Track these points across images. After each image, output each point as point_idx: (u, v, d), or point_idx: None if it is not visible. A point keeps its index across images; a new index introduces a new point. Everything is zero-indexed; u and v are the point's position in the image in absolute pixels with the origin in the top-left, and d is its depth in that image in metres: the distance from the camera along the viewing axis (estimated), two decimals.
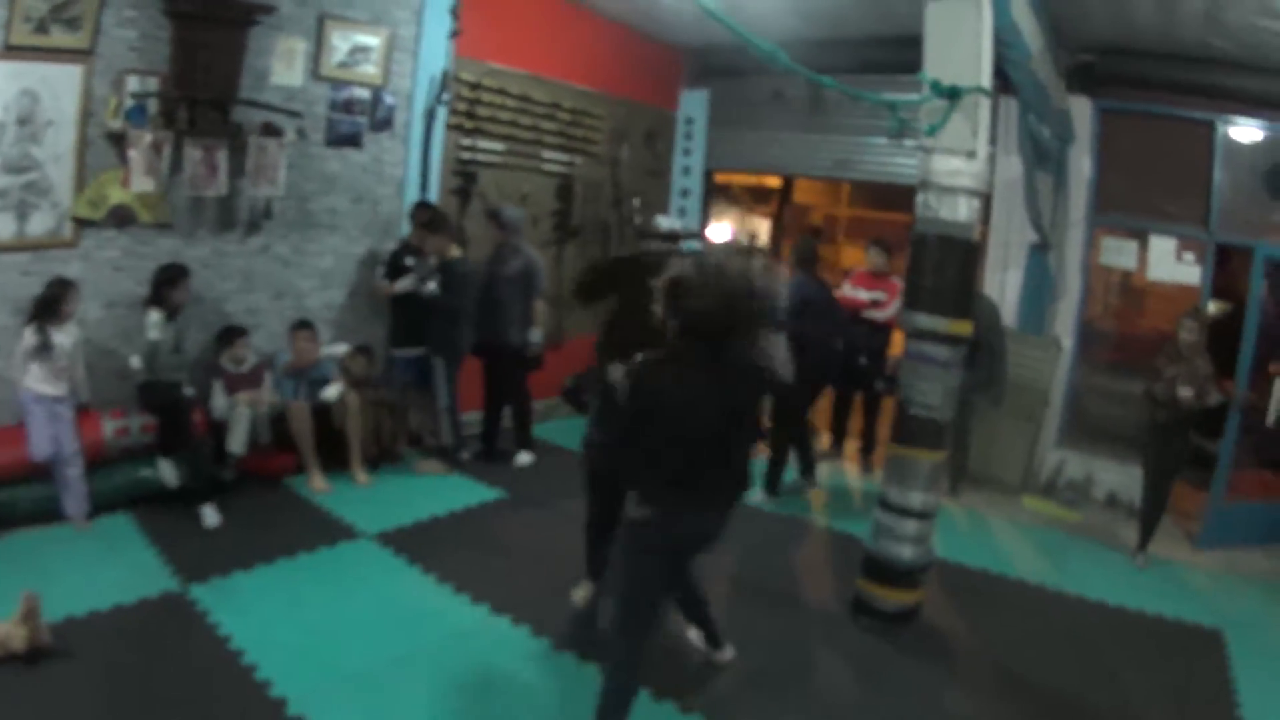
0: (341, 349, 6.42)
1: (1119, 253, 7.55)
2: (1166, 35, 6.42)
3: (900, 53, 7.71)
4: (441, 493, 6.19)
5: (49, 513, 4.99)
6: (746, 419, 3.36)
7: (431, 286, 6.34)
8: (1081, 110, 7.36)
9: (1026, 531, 6.57)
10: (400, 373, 6.77)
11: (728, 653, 4.26)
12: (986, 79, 4.38)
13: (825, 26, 7.74)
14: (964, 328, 4.53)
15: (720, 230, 11.07)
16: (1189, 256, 7.17)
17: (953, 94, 4.34)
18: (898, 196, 10.69)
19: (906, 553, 4.60)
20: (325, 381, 6.21)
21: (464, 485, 6.41)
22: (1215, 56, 6.53)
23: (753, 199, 11.98)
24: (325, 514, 5.62)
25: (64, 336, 5.00)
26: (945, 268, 4.46)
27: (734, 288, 3.03)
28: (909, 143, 8.11)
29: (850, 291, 7.51)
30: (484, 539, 5.54)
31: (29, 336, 4.84)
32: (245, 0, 5.51)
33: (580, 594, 4.75)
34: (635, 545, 3.28)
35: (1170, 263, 7.26)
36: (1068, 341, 7.60)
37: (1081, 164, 7.44)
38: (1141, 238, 7.37)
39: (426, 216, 6.45)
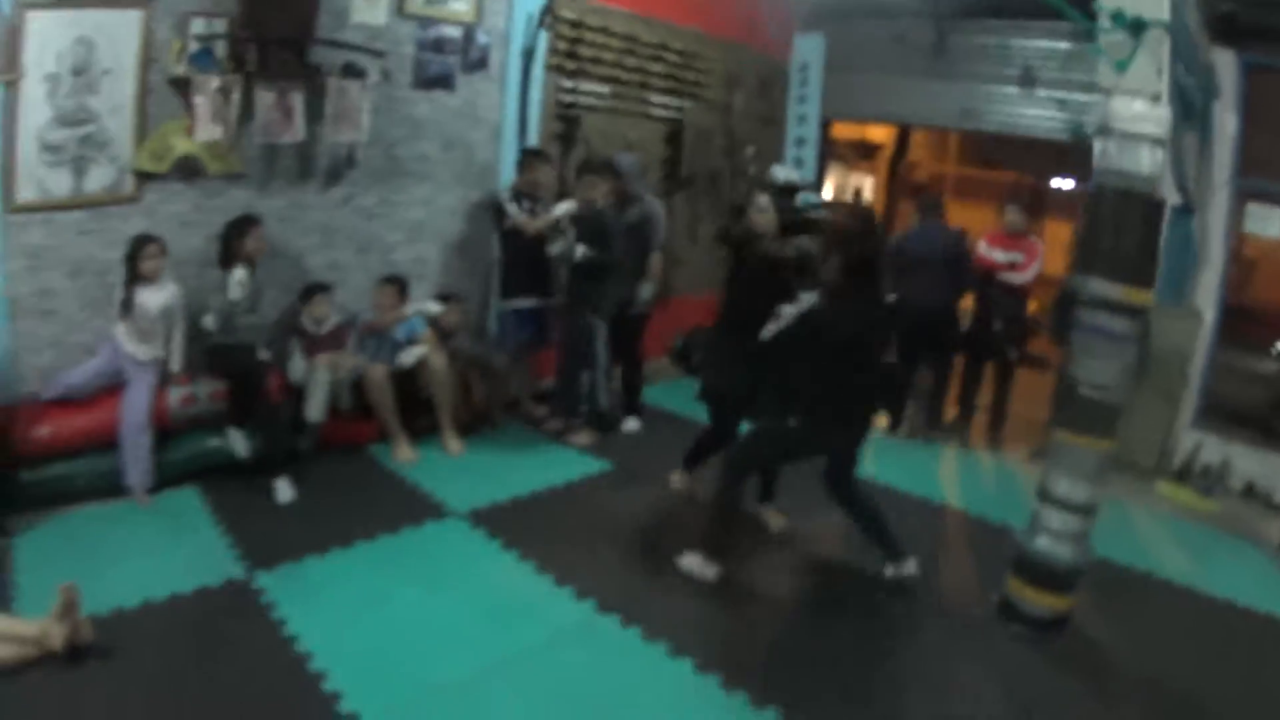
0: (435, 307, 5.72)
1: (1266, 220, 6.57)
2: None
3: None
4: (541, 464, 5.51)
5: (110, 488, 4.44)
6: (884, 346, 4.24)
7: (581, 250, 5.59)
8: (1225, 64, 6.30)
9: (1165, 522, 5.72)
10: (512, 329, 6.09)
11: (910, 565, 4.31)
12: (1166, 10, 3.69)
13: None
14: (1145, 297, 3.84)
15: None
16: None
17: (1137, 27, 3.64)
18: (1007, 154, 9.87)
19: (1067, 552, 3.92)
20: (410, 342, 5.54)
21: (566, 456, 5.71)
22: None
23: (856, 154, 11.04)
24: (411, 488, 4.98)
25: (151, 296, 4.51)
26: (1125, 227, 3.79)
27: (880, 233, 4.16)
28: (1042, 92, 7.41)
29: (986, 251, 6.64)
30: (588, 520, 4.83)
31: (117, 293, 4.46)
32: None
33: (676, 480, 5.20)
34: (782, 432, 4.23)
35: None
36: (1209, 314, 6.57)
37: (1226, 123, 6.38)
38: None
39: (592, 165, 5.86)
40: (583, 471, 5.48)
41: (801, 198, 7.52)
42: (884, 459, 6.06)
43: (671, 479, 5.20)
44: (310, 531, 4.30)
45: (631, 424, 6.36)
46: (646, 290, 6.10)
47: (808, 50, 8.30)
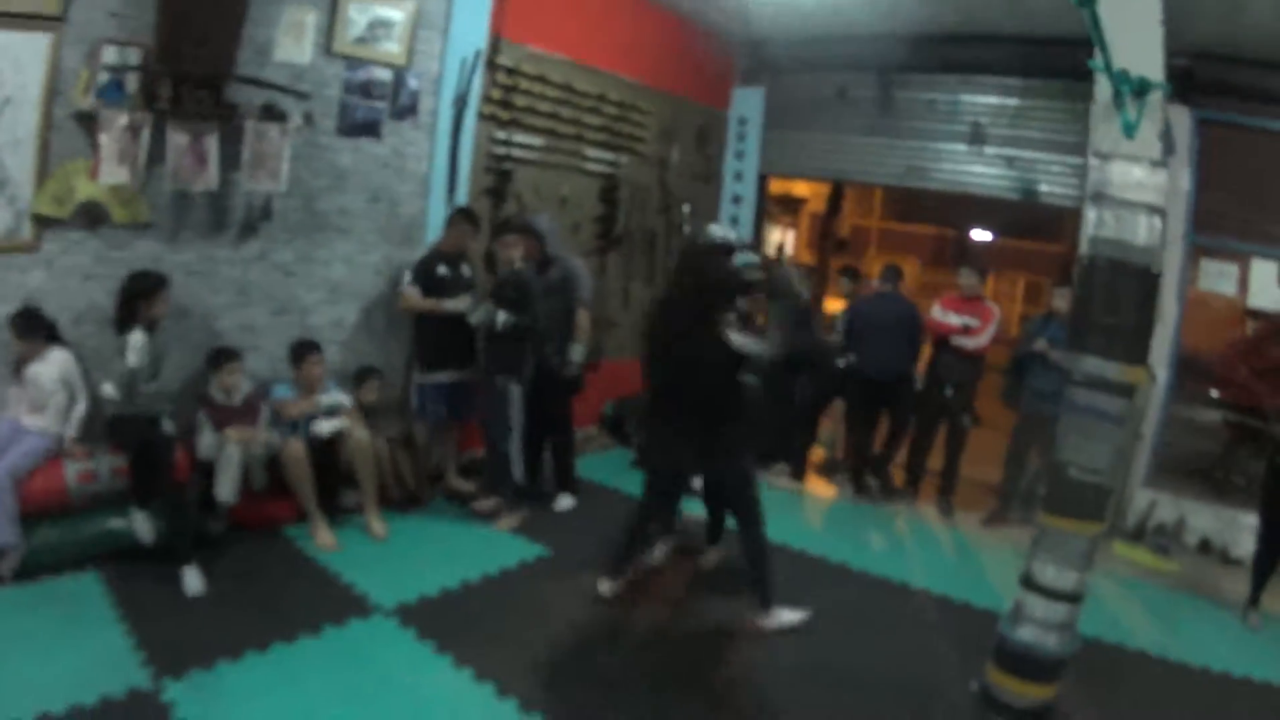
0: (341, 399, 5.38)
1: (1219, 277, 6.84)
2: (1274, 39, 5.82)
3: (984, 53, 7.15)
4: (472, 549, 5.20)
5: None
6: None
7: (503, 317, 5.36)
8: (1179, 120, 6.52)
9: (1128, 586, 5.76)
10: (430, 403, 5.81)
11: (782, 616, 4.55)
12: (1162, 75, 3.68)
13: (903, 21, 7.01)
14: (1139, 375, 3.79)
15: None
16: None
17: (1142, 88, 3.59)
18: (931, 209, 10.14)
19: (1052, 642, 3.79)
20: (329, 414, 5.23)
21: (497, 540, 5.41)
22: None
23: (779, 208, 11.19)
24: (332, 579, 4.61)
25: (43, 367, 4.21)
26: (1121, 301, 3.70)
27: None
28: (991, 150, 7.56)
29: (940, 315, 6.72)
30: (526, 616, 4.49)
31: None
32: None
33: (606, 589, 4.78)
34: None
35: (1273, 289, 6.65)
36: (1163, 372, 6.77)
37: (1180, 178, 6.60)
38: (1243, 261, 6.73)
39: (512, 224, 5.73)
40: (518, 558, 5.17)
41: (738, 258, 7.53)
42: (835, 531, 6.12)
43: (600, 587, 4.77)
44: (223, 631, 3.90)
45: (565, 501, 6.11)
46: (576, 351, 5.88)
47: (746, 104, 8.35)
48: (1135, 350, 3.73)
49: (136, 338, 4.25)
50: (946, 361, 6.66)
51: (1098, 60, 3.61)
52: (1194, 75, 6.27)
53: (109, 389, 4.31)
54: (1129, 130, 3.63)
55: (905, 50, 7.15)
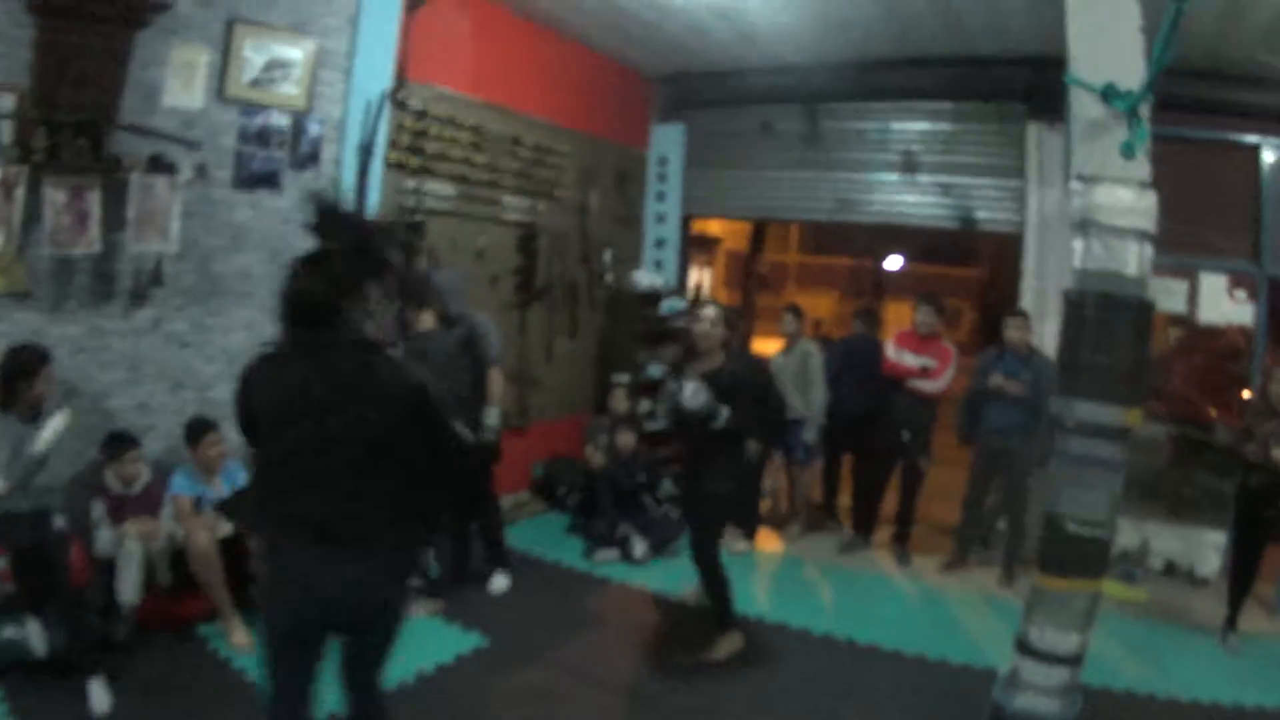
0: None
1: (1167, 294, 6.97)
2: (1214, 53, 6.08)
3: (914, 77, 7.28)
4: (403, 644, 4.88)
5: None
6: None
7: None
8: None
9: (1101, 621, 5.62)
10: None
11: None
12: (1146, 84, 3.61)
13: (829, 48, 7.13)
14: (1135, 417, 3.63)
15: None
16: (1241, 294, 6.86)
17: (1129, 102, 3.51)
18: (846, 241, 10.35)
19: (1053, 708, 3.66)
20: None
21: (430, 631, 5.10)
22: (1263, 75, 6.26)
23: (694, 248, 11.31)
24: (247, 685, 4.25)
25: None
26: (1113, 337, 3.57)
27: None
28: (925, 178, 7.67)
29: (895, 355, 6.74)
30: None
31: None
32: None
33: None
34: None
35: (1222, 302, 6.90)
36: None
37: None
38: (1190, 276, 6.96)
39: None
40: (454, 651, 4.88)
41: (665, 305, 7.52)
42: (794, 592, 6.10)
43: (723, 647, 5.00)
44: None
45: (499, 581, 5.83)
46: (491, 415, 5.61)
47: (666, 141, 8.38)
48: (1132, 390, 3.61)
49: (58, 421, 3.95)
50: (902, 404, 6.66)
51: (1072, 73, 3.59)
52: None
53: None
54: (1129, 149, 3.55)
55: (831, 79, 7.26)
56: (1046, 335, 6.93)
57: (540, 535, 6.79)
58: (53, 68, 4.13)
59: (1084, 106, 3.60)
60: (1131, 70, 3.52)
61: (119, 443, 4.66)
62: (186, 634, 4.73)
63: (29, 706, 3.87)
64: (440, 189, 6.50)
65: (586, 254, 7.96)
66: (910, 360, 6.61)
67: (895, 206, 7.80)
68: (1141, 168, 3.58)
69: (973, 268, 15.34)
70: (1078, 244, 3.67)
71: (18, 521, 3.97)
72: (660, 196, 8.54)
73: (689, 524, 5.20)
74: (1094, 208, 3.59)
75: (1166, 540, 6.69)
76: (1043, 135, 6.75)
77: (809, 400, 6.84)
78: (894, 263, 12.13)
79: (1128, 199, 3.57)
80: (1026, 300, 7.13)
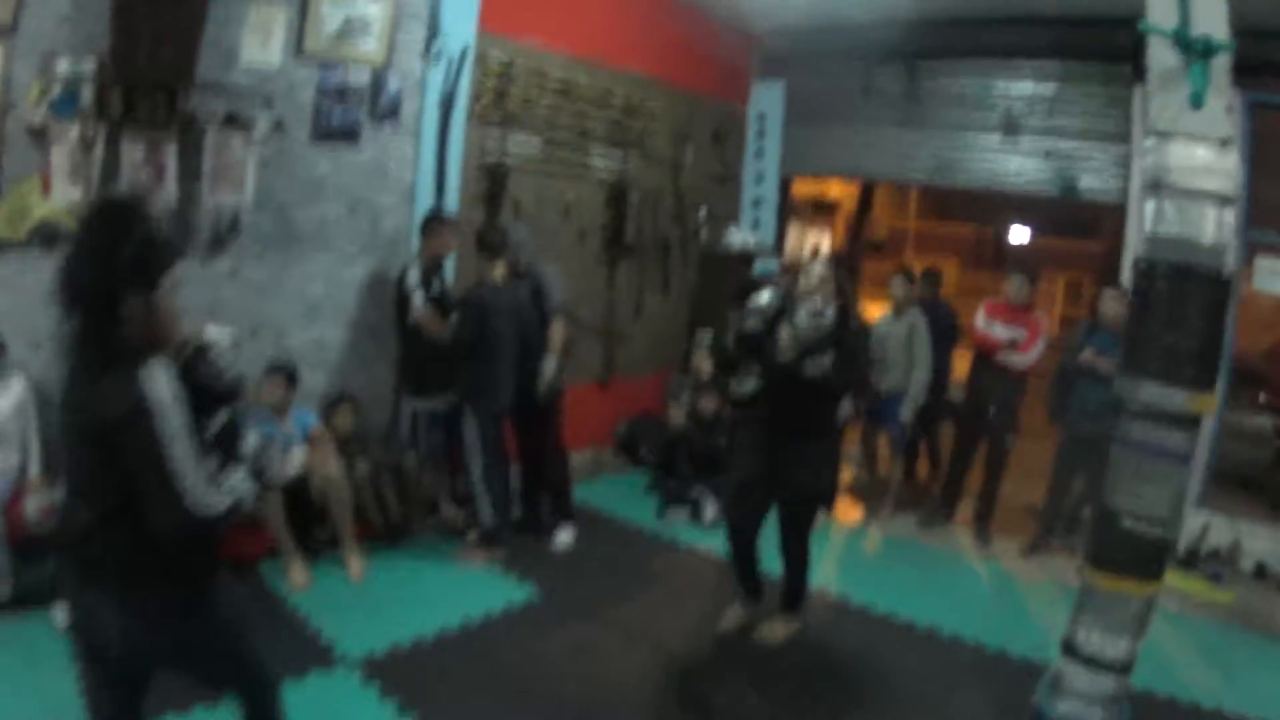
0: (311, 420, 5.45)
1: (1276, 275, 6.70)
2: None
3: (1017, 35, 7.12)
4: (453, 592, 5.20)
5: None
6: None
7: (450, 321, 5.51)
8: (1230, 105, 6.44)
9: (1178, 623, 5.58)
10: (423, 430, 5.92)
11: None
12: (1228, 34, 3.38)
13: (927, 5, 7.04)
14: (1209, 403, 3.38)
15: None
16: None
17: (1206, 50, 3.27)
18: (967, 207, 10.14)
19: (1097, 718, 3.50)
20: (303, 441, 5.32)
21: (482, 581, 5.40)
22: None
23: (813, 211, 11.27)
24: (300, 624, 4.65)
25: None
26: (1185, 313, 3.29)
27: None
28: (1026, 141, 7.50)
29: (984, 325, 6.64)
30: (506, 673, 4.42)
31: None
32: None
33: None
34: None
35: None
36: (1218, 381, 6.61)
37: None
38: None
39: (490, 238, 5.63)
40: (503, 602, 5.11)
41: (759, 265, 7.58)
42: (862, 565, 6.13)
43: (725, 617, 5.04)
44: (175, 679, 3.96)
45: (563, 536, 6.06)
46: (549, 365, 5.82)
47: (766, 99, 8.40)
48: (1203, 373, 3.33)
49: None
50: (989, 378, 6.59)
51: (1149, 21, 3.35)
52: (1244, 55, 6.14)
53: None
54: (1197, 99, 3.25)
55: (932, 35, 7.15)
56: None
57: (617, 493, 7.00)
58: (130, 31, 4.46)
59: (1159, 55, 3.36)
60: (1213, 17, 3.33)
61: None
62: (249, 569, 5.15)
63: None
64: (526, 143, 6.70)
65: (680, 211, 8.09)
66: (1000, 332, 6.51)
67: (995, 171, 7.68)
68: (1221, 124, 3.30)
69: (1096, 240, 14.89)
70: (1149, 207, 3.43)
71: None
72: (759, 154, 8.59)
73: (784, 501, 4.75)
74: (1166, 167, 3.33)
75: (1262, 540, 6.47)
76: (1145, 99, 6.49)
77: (913, 375, 6.76)
78: (1019, 234, 11.84)
79: (1205, 158, 3.29)
80: (1127, 273, 6.84)
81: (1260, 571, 6.43)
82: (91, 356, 2.28)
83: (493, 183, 6.52)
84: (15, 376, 4.41)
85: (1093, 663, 3.51)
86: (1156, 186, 3.39)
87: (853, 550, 6.53)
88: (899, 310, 6.91)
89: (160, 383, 2.24)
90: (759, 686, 4.45)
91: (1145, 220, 3.46)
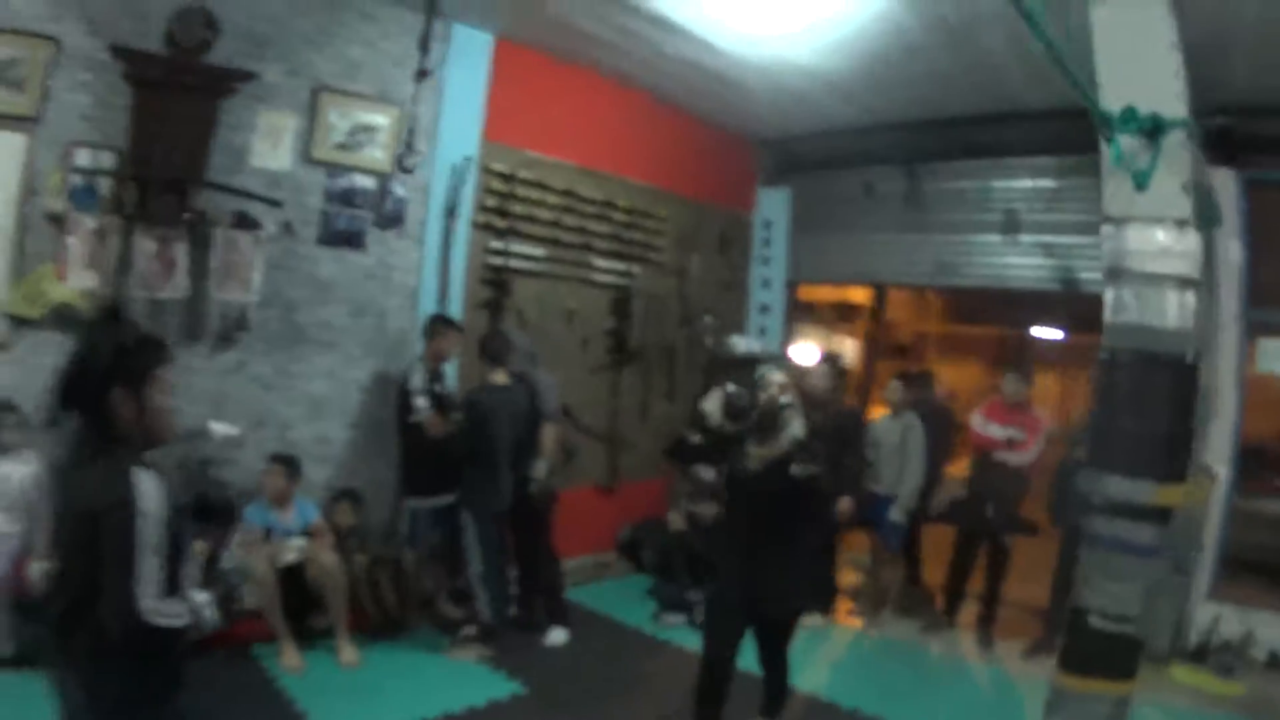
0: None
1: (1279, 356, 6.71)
2: None
3: (1012, 133, 7.39)
4: (442, 683, 5.31)
5: None
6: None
7: (451, 422, 5.77)
8: (1224, 185, 6.49)
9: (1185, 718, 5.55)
10: (423, 528, 6.13)
11: None
12: (1184, 110, 3.39)
13: (919, 107, 7.26)
14: (1175, 495, 3.34)
15: (805, 351, 10.54)
16: None
17: (1155, 127, 3.29)
18: (991, 309, 10.22)
19: None
20: (302, 532, 5.54)
21: (473, 675, 5.51)
22: None
23: (836, 316, 11.46)
24: (287, 704, 4.82)
25: (12, 467, 4.67)
26: (1149, 402, 3.29)
27: None
28: (1026, 238, 7.68)
29: (981, 426, 6.79)
30: None
31: None
32: (220, 66, 5.14)
33: None
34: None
35: None
36: (1222, 470, 6.64)
37: (1230, 250, 6.60)
38: None
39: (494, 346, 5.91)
40: (488, 695, 5.22)
41: (760, 370, 7.74)
42: (858, 669, 6.08)
43: None
44: None
45: (556, 635, 6.17)
46: (539, 468, 6.06)
47: (772, 205, 8.73)
48: (1172, 463, 3.29)
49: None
50: (988, 476, 6.67)
51: (1101, 103, 3.36)
52: (1236, 133, 6.32)
53: None
54: (1141, 180, 3.28)
55: (929, 137, 7.41)
56: None
57: (617, 595, 7.09)
58: (145, 131, 4.90)
59: (1112, 139, 3.39)
60: (1164, 95, 3.30)
61: None
62: (244, 652, 5.30)
63: None
64: (529, 250, 7.03)
65: (686, 317, 8.35)
66: (996, 432, 6.63)
67: (996, 268, 7.83)
68: (1179, 204, 3.29)
69: None
70: (1108, 295, 3.42)
71: None
72: (765, 261, 8.87)
73: (768, 617, 4.41)
74: (1123, 252, 3.34)
75: (1275, 629, 6.39)
76: None
77: (903, 478, 6.79)
78: (1050, 333, 11.99)
79: (1163, 240, 3.28)
80: None
81: (1274, 661, 6.36)
82: (85, 447, 2.48)
83: (496, 288, 6.84)
84: (32, 450, 4.71)
85: None
86: (1115, 273, 3.41)
87: (851, 654, 6.52)
88: (895, 412, 7.04)
89: (147, 490, 2.40)
90: None
91: (1107, 309, 3.44)
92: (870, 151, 8.15)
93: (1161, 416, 3.30)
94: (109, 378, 2.45)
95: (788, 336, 9.07)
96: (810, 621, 6.49)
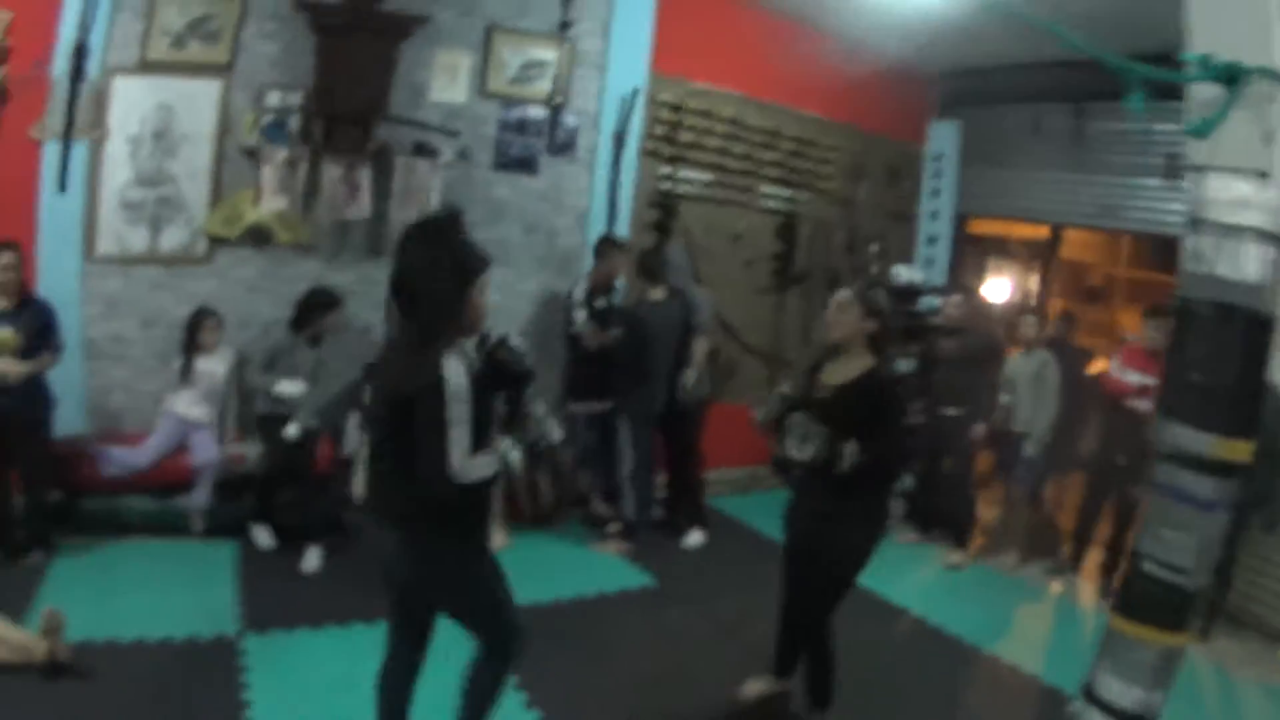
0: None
1: None
2: None
3: (1175, 74, 7.12)
4: (578, 571, 5.93)
5: (164, 526, 5.47)
6: None
7: (613, 333, 6.30)
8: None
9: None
10: (581, 431, 6.72)
11: None
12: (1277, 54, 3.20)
13: (1092, 42, 7.12)
14: (1241, 450, 3.25)
15: (999, 287, 10.50)
16: None
17: (1230, 76, 3.15)
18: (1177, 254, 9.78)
19: None
20: None
21: (609, 566, 6.10)
22: None
23: (1030, 254, 11.25)
24: None
25: (211, 364, 5.52)
26: (1221, 355, 3.19)
27: None
28: (1186, 184, 7.27)
29: (1117, 371, 6.60)
30: (608, 646, 4.99)
31: (175, 363, 5.50)
32: (396, 11, 5.78)
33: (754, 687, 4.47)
34: None
35: None
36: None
37: None
38: None
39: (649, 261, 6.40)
40: (620, 584, 5.79)
41: (923, 301, 7.98)
42: (969, 600, 6.15)
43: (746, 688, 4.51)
44: (318, 603, 4.95)
45: (694, 538, 6.64)
46: (688, 377, 6.38)
47: (942, 139, 8.80)
48: (1238, 418, 3.20)
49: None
50: (1120, 425, 6.48)
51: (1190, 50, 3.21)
52: None
53: (292, 387, 5.49)
54: (1200, 129, 3.16)
55: (1096, 76, 7.30)
56: None
57: (761, 507, 7.33)
58: (330, 72, 5.63)
59: (1197, 87, 3.22)
60: (1252, 43, 3.10)
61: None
62: None
63: (259, 559, 5.45)
64: (695, 176, 7.48)
65: (852, 245, 8.60)
66: (1133, 379, 6.40)
67: (1158, 213, 7.61)
68: (1257, 153, 3.13)
69: None
70: (1187, 244, 3.29)
71: (276, 422, 5.51)
72: (935, 193, 8.94)
73: (799, 580, 4.28)
74: (1204, 202, 3.21)
75: None
76: None
77: (1037, 415, 6.73)
78: None
79: (1241, 190, 3.15)
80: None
81: None
82: (410, 339, 2.92)
83: (662, 211, 7.34)
84: (227, 348, 5.61)
85: (1109, 710, 3.41)
86: (1195, 223, 3.28)
87: (964, 584, 6.58)
88: (1028, 349, 6.92)
89: (457, 371, 2.81)
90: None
91: (1183, 257, 3.35)
92: (1039, 88, 8.08)
93: (1231, 370, 3.16)
94: (449, 277, 2.92)
95: (955, 268, 9.14)
96: (953, 560, 6.85)
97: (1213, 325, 3.14)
